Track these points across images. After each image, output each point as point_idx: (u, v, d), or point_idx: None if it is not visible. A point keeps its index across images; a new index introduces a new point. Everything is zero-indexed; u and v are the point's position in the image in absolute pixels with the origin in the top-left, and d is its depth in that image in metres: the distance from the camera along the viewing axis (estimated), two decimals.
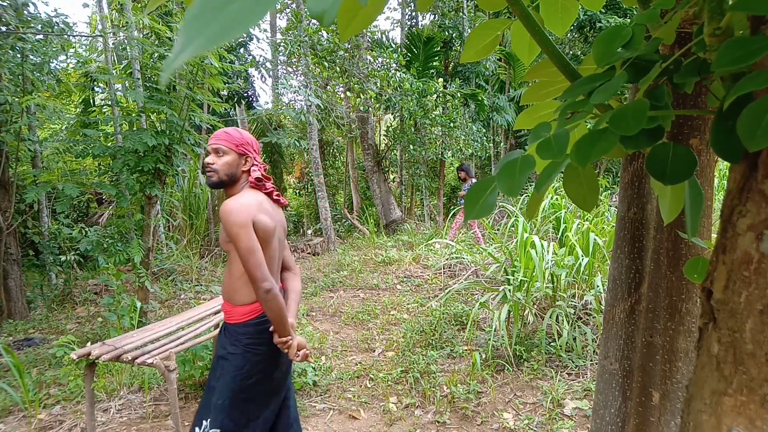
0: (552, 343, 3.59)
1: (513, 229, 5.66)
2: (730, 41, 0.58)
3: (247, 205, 1.75)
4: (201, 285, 6.32)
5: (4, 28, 4.87)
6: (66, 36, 5.40)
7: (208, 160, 1.85)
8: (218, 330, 2.05)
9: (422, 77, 9.81)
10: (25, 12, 5.06)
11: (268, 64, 9.79)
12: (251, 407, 1.84)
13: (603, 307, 1.79)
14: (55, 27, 5.15)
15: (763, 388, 0.55)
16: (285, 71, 11.41)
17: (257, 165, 1.90)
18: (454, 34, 10.93)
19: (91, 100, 9.29)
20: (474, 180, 8.63)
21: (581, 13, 10.21)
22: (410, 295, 5.51)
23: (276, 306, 1.75)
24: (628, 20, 7.55)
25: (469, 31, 10.51)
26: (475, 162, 12.89)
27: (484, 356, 3.61)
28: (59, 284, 6.12)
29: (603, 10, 10.54)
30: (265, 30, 13.35)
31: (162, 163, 4.47)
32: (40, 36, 5.18)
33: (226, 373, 1.82)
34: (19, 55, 5.00)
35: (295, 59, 8.87)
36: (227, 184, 1.86)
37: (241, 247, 1.71)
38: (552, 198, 6.01)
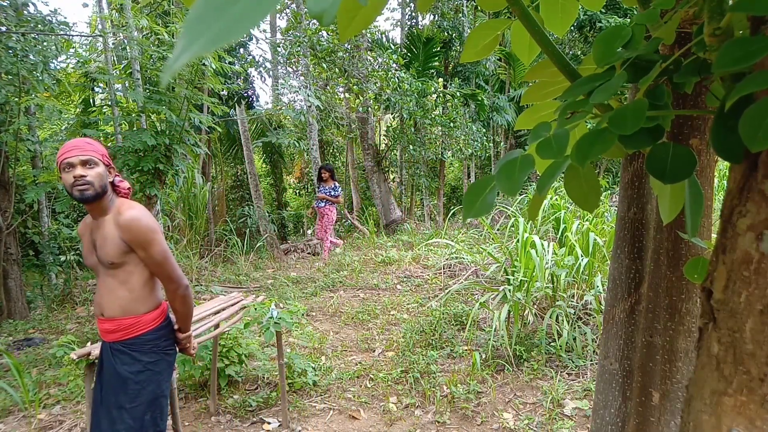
0: (552, 343, 3.59)
1: (513, 229, 5.66)
2: (730, 42, 0.58)
3: (148, 212, 1.78)
4: (201, 285, 6.31)
5: (4, 28, 4.86)
6: (62, 35, 5.40)
7: (79, 172, 1.65)
8: (98, 353, 1.95)
9: (422, 77, 9.80)
10: (25, 12, 5.06)
11: (267, 65, 9.79)
12: (167, 405, 1.96)
13: (603, 307, 1.79)
14: (48, 26, 5.14)
15: (763, 388, 0.56)
16: (285, 71, 11.40)
17: (118, 175, 1.85)
18: (454, 35, 10.93)
19: (91, 100, 9.27)
20: (337, 183, 7.58)
21: (581, 13, 10.21)
22: (410, 295, 5.50)
23: (192, 301, 1.88)
24: (628, 20, 7.55)
25: (468, 31, 10.51)
26: (475, 162, 12.89)
27: (484, 356, 3.61)
28: (59, 284, 6.11)
29: (603, 10, 10.54)
30: (264, 30, 13.36)
31: (162, 163, 4.48)
32: (38, 35, 5.18)
33: (147, 386, 1.82)
34: (18, 55, 4.99)
35: (294, 59, 8.87)
36: (101, 197, 1.72)
37: (158, 251, 1.74)
38: (552, 198, 6.01)
